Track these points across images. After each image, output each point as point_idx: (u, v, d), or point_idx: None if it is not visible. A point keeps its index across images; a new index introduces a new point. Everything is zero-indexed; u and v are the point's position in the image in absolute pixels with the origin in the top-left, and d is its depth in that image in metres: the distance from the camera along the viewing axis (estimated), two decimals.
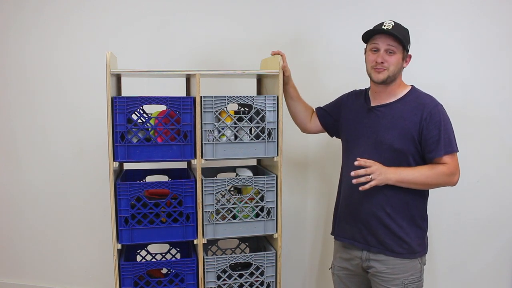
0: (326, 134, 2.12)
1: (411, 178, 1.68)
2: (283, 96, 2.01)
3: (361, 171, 1.64)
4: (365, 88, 1.95)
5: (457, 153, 1.72)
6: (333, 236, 1.99)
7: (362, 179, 1.63)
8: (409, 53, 1.77)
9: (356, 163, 1.66)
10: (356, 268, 1.86)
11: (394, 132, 1.72)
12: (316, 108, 2.10)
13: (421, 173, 1.68)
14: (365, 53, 1.81)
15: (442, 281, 2.50)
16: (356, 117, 1.87)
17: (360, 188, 1.64)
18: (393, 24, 1.71)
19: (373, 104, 1.83)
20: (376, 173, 1.63)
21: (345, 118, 1.94)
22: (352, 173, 1.65)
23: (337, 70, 2.51)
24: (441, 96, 1.78)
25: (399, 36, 1.68)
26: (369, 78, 1.81)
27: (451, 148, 1.70)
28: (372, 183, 1.63)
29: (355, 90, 2.00)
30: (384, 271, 1.75)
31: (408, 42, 1.75)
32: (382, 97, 1.80)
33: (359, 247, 1.81)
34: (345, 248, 1.90)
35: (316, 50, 2.54)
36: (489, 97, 2.37)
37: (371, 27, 1.76)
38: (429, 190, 1.81)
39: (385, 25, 1.71)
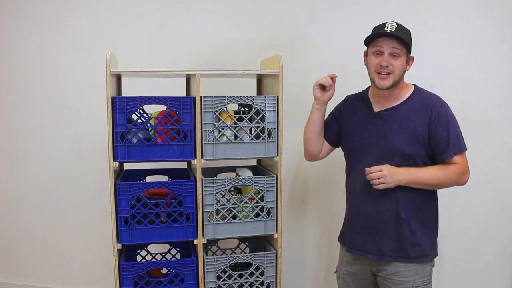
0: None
1: (423, 179, 1.66)
2: (309, 125, 1.90)
3: (373, 175, 1.62)
4: (361, 92, 1.88)
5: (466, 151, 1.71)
6: (337, 238, 1.96)
7: (375, 181, 1.62)
8: (411, 55, 1.71)
9: (367, 176, 1.65)
10: (365, 272, 1.82)
11: (403, 137, 1.67)
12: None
13: (432, 174, 1.66)
14: (365, 56, 1.75)
15: (442, 281, 2.50)
16: (360, 124, 1.80)
17: (374, 187, 1.63)
18: (396, 26, 1.64)
19: (376, 109, 1.76)
20: (387, 177, 1.61)
21: (348, 126, 1.85)
22: (367, 170, 1.64)
23: (337, 70, 2.47)
24: (441, 96, 1.78)
25: (404, 39, 1.62)
26: (370, 80, 1.75)
27: (460, 148, 1.68)
28: (381, 187, 1.62)
29: (348, 96, 1.93)
30: (395, 274, 1.71)
31: (411, 44, 1.69)
32: (386, 101, 1.74)
33: (371, 257, 1.76)
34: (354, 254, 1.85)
35: (316, 50, 2.54)
36: (489, 97, 2.37)
37: (371, 28, 1.71)
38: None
39: (387, 27, 1.64)
